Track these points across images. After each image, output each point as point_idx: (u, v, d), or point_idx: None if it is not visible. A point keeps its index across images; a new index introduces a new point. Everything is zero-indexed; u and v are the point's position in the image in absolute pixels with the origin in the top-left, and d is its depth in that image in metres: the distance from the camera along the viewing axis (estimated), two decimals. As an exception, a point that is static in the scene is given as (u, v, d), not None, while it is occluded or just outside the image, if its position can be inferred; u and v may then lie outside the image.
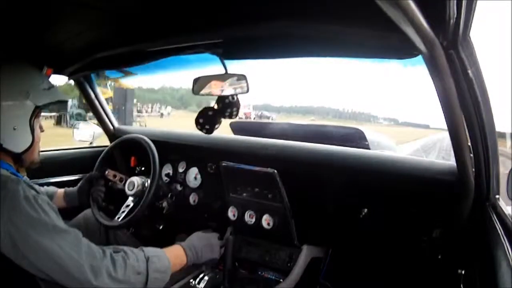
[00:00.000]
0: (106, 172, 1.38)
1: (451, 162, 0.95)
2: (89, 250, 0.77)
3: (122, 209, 1.32)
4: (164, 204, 1.40)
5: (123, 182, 1.37)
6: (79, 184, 1.30)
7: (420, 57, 0.61)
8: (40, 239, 0.72)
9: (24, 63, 0.88)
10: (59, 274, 0.73)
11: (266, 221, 1.26)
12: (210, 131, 1.01)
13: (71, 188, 1.29)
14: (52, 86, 0.91)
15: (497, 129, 0.80)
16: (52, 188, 1.28)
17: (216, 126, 1.02)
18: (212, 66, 0.96)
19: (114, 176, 1.38)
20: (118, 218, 1.28)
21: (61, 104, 0.96)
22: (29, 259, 0.72)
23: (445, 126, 0.74)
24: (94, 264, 0.75)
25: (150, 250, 0.87)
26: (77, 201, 1.27)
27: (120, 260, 0.79)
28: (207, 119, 1.01)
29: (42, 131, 0.93)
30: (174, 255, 0.92)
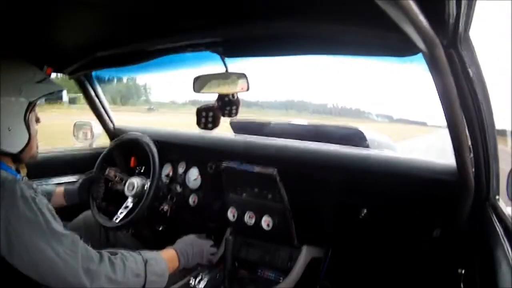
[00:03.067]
0: (107, 170, 1.38)
1: (451, 162, 0.95)
2: (86, 254, 0.76)
3: (120, 210, 1.31)
4: (166, 207, 1.40)
5: (123, 182, 1.37)
6: (79, 181, 1.30)
7: (418, 54, 0.61)
8: (36, 241, 0.72)
9: (14, 59, 0.85)
10: (52, 278, 0.72)
11: (266, 222, 1.25)
12: (211, 127, 1.02)
13: (71, 186, 1.29)
14: (44, 78, 0.87)
15: (497, 127, 0.80)
16: (51, 187, 1.28)
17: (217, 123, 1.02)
18: (212, 65, 0.96)
19: (115, 175, 1.38)
20: (116, 219, 1.28)
21: (57, 94, 0.93)
22: (24, 261, 0.71)
23: (443, 124, 0.74)
24: (91, 268, 0.74)
25: (148, 253, 0.87)
26: (78, 198, 1.26)
27: (119, 262, 0.79)
28: (208, 117, 1.01)
29: (38, 122, 0.90)
30: (168, 259, 0.92)
